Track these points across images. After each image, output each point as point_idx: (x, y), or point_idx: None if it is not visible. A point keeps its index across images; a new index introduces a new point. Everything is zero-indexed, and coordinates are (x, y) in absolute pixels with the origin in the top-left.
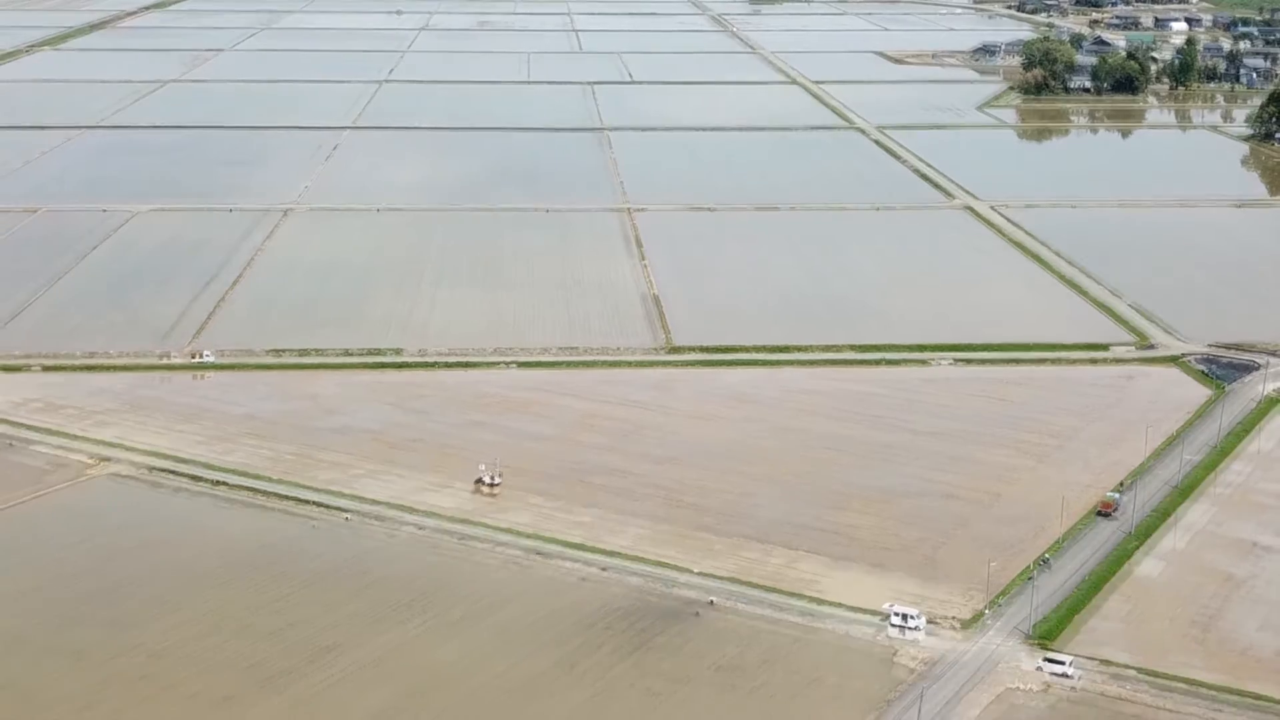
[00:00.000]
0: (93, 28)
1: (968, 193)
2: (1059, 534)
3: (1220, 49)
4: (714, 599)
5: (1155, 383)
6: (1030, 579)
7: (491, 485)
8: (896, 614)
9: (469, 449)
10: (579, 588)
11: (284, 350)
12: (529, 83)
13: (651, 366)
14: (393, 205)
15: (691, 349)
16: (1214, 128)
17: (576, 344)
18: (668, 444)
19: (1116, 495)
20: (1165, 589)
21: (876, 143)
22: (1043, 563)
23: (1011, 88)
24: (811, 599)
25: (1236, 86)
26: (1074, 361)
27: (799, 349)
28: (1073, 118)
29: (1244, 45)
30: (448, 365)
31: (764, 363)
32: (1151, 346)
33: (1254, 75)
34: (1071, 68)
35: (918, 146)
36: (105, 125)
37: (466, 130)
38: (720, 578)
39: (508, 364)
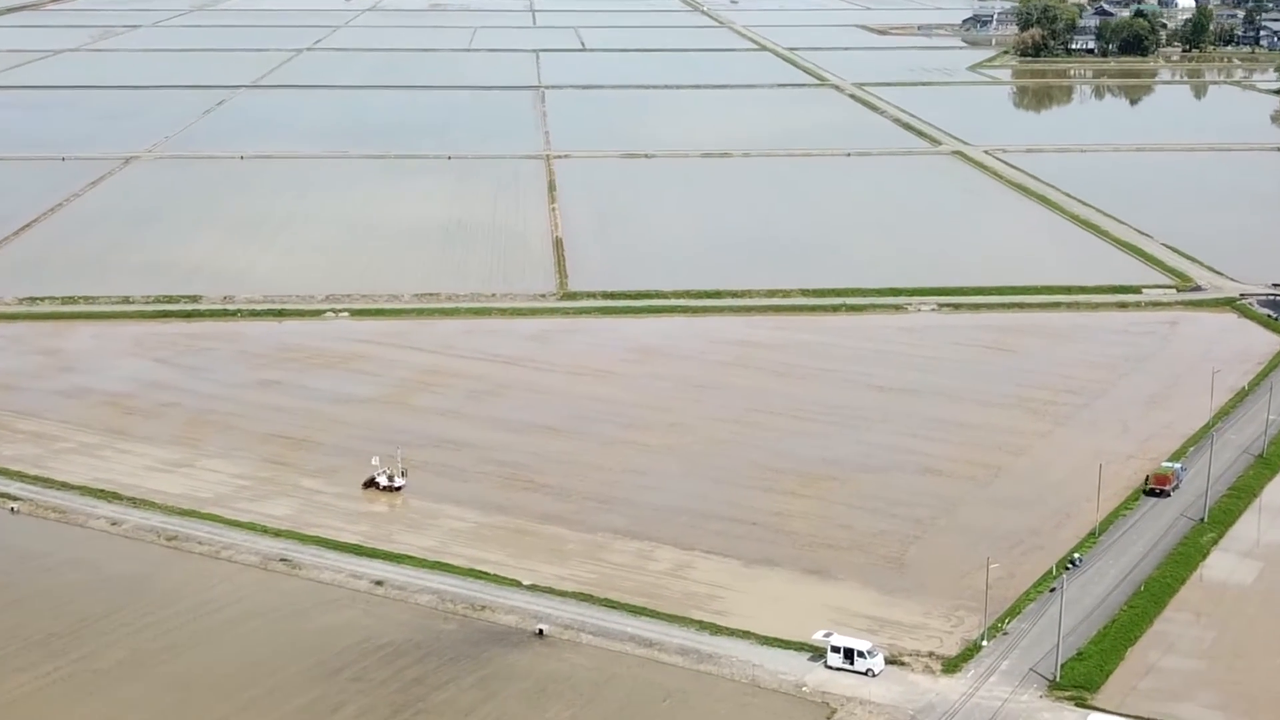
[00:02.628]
0: (13, 10)
1: (957, 139)
2: (1093, 522)
3: (1235, 14)
4: (544, 628)
5: (1208, 329)
6: (1052, 590)
7: (390, 488)
8: (837, 649)
9: (243, 416)
10: (332, 612)
11: (43, 298)
12: (469, 50)
13: (534, 315)
14: (262, 153)
15: (591, 294)
16: (1238, 83)
17: (440, 290)
18: (533, 408)
19: (1176, 466)
20: (1266, 604)
21: (852, 97)
22: (1070, 565)
23: (1006, 51)
24: (704, 625)
25: (1256, 49)
26: (1096, 306)
27: (734, 294)
28: (1076, 76)
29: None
30: (255, 314)
31: (685, 309)
32: (1198, 288)
33: (1275, 38)
34: (1073, 27)
35: (900, 100)
36: None
37: (379, 88)
38: (563, 594)
39: (338, 312)
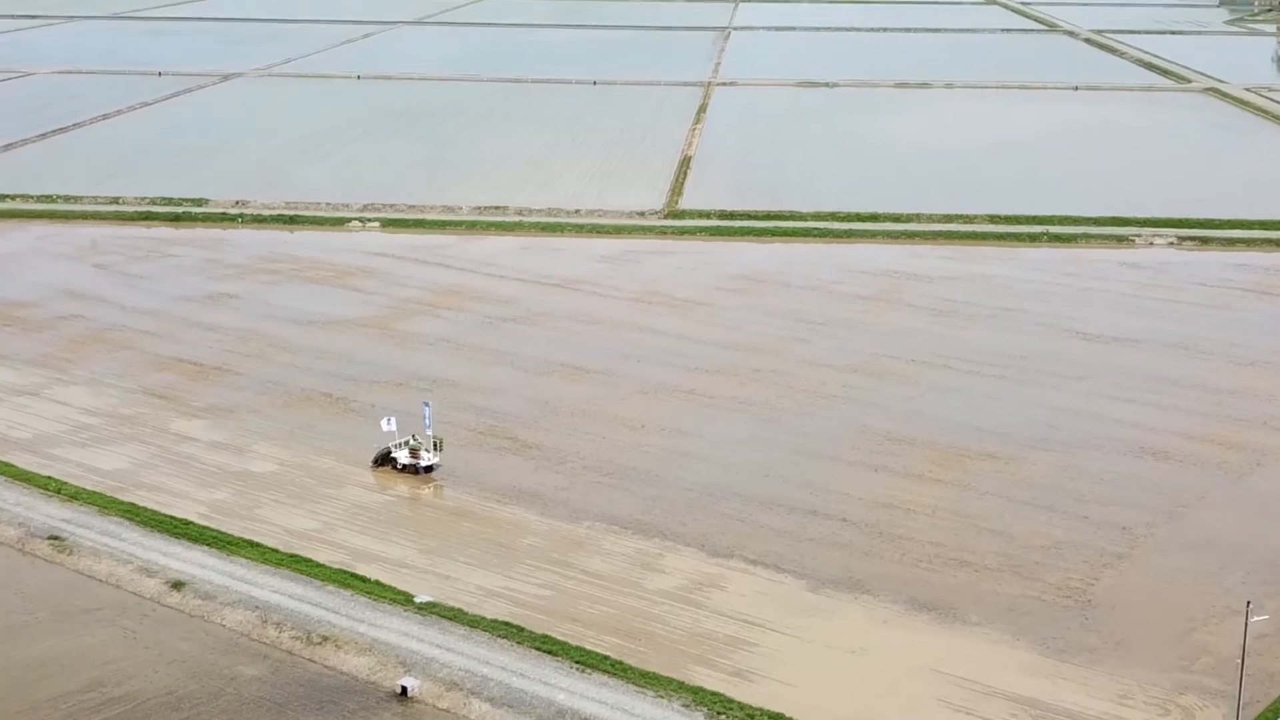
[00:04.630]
0: None
1: (1212, 78)
2: None
3: None
4: (410, 684)
5: None
6: None
7: (413, 468)
8: None
9: (155, 335)
10: (74, 631)
11: (13, 195)
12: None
13: (619, 234)
14: (384, 74)
15: (704, 214)
16: None
17: (509, 204)
18: (565, 342)
19: None
20: None
21: (1087, 42)
22: None
23: (1272, 9)
24: (708, 698)
25: None
26: None
27: (895, 218)
28: None
29: None
30: (260, 219)
31: (825, 234)
32: None
33: None
34: None
35: (1145, 45)
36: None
37: (546, 27)
38: (472, 621)
39: (366, 222)
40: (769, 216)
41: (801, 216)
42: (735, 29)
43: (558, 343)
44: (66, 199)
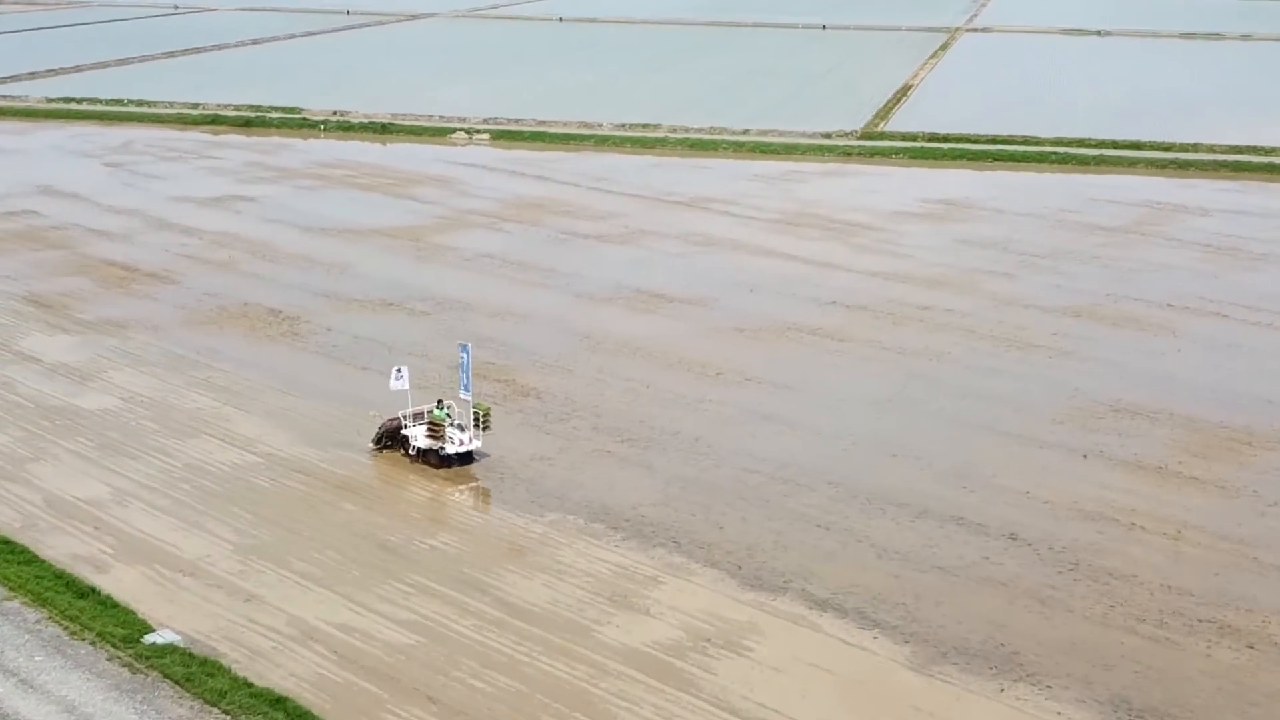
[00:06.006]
0: None
1: None
2: None
3: None
4: None
5: None
6: None
7: (429, 456)
8: None
9: (108, 237)
10: None
11: (81, 99)
12: None
13: (791, 154)
14: (590, 17)
15: (909, 135)
16: None
17: (664, 121)
18: (655, 266)
19: None
20: None
21: None
22: None
23: None
24: None
25: None
26: None
27: (1162, 146)
28: None
29: None
30: (348, 127)
31: (1063, 159)
32: None
33: None
34: None
35: None
36: None
37: None
38: (222, 696)
39: (472, 133)
40: (993, 140)
41: (1038, 141)
42: None
43: (641, 264)
44: (139, 103)
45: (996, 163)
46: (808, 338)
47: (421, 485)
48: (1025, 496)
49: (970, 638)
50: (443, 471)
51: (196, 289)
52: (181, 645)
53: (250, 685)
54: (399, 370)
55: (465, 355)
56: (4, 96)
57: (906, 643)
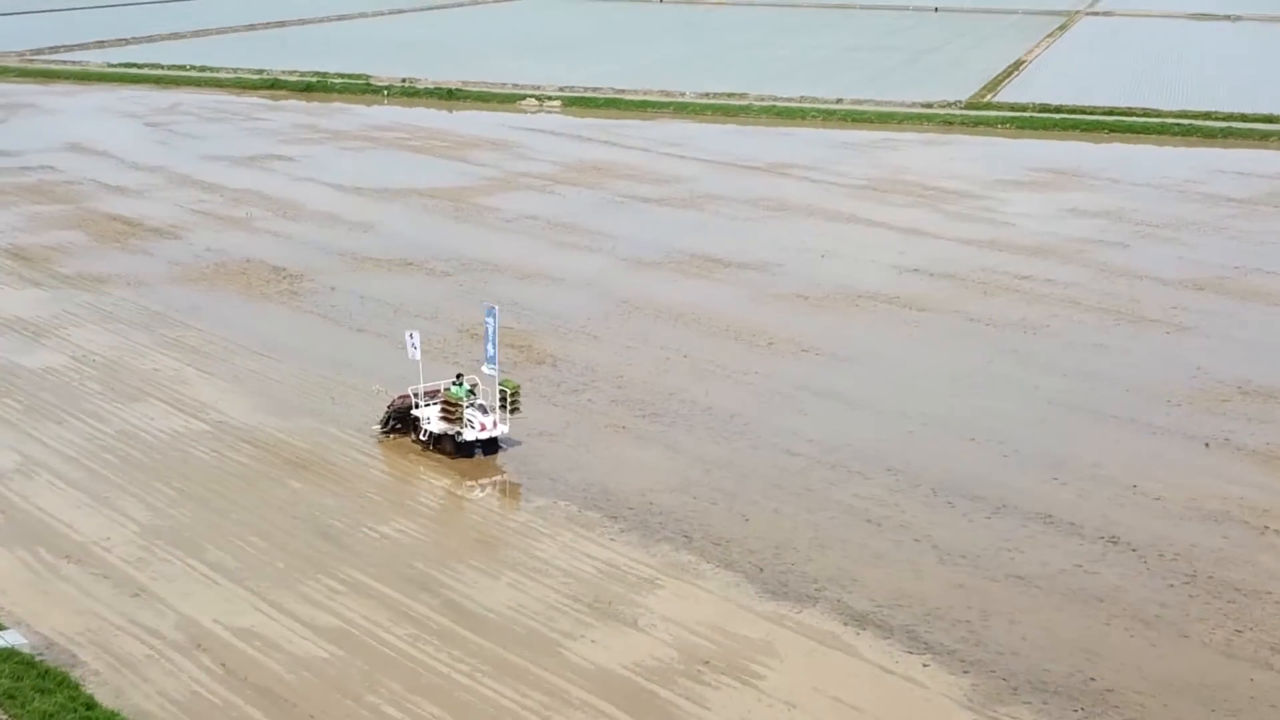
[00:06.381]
0: None
1: None
2: None
3: None
4: None
5: None
6: None
7: (457, 439)
8: None
9: (123, 192)
10: None
11: (144, 64)
12: None
13: (879, 123)
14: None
15: (1019, 106)
16: None
17: (753, 91)
18: (728, 229)
19: None
20: None
21: None
22: None
23: None
24: None
25: None
26: None
27: None
28: None
29: None
30: (412, 93)
31: (1190, 131)
32: None
33: None
34: None
35: None
36: None
37: None
38: None
39: (544, 100)
40: (1110, 112)
41: (1159, 114)
42: None
43: (702, 228)
44: (201, 69)
45: (1113, 134)
46: (882, 306)
47: (392, 463)
48: (1131, 491)
49: (1051, 669)
50: (447, 461)
51: (199, 245)
52: (26, 650)
53: (91, 707)
54: (412, 336)
55: (491, 321)
56: (65, 61)
57: (966, 673)
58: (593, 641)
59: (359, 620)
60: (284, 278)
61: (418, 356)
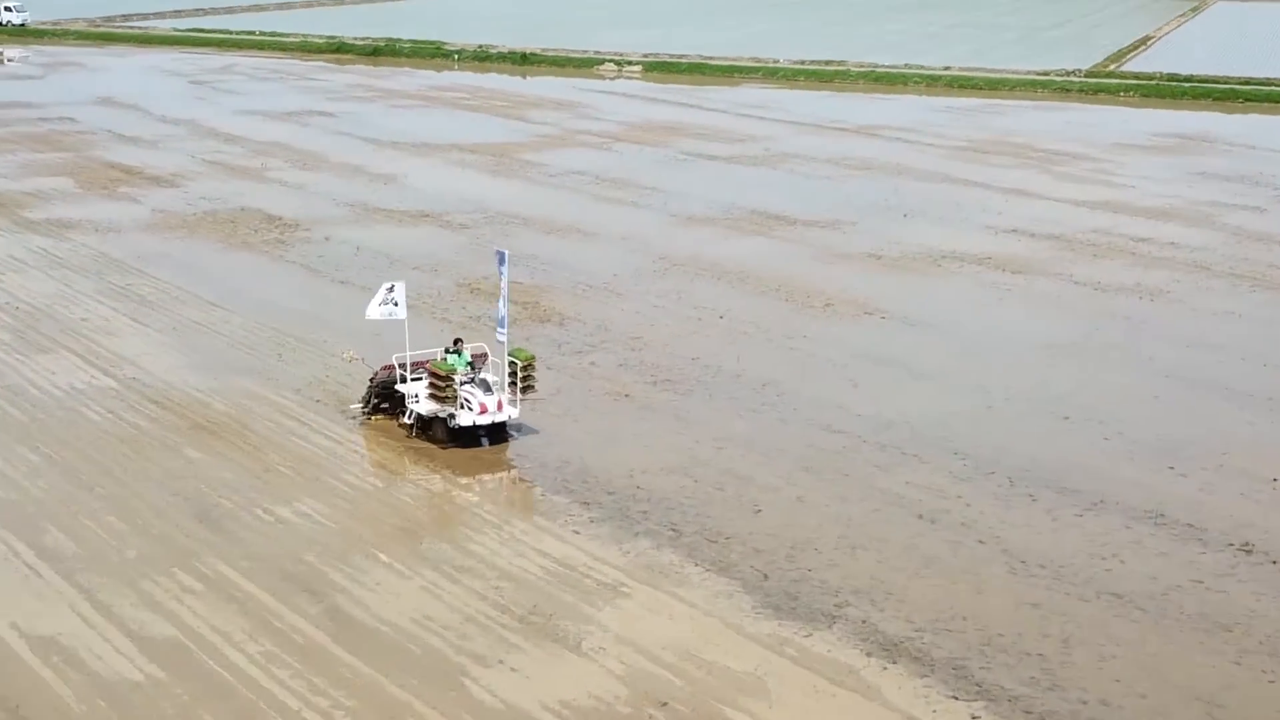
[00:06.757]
0: None
1: None
2: None
3: None
4: None
5: None
6: None
7: (449, 423)
8: None
9: (138, 143)
10: None
11: (214, 30)
12: None
13: (993, 90)
14: None
15: (1146, 76)
16: None
17: (853, 59)
18: (801, 187)
19: None
20: None
21: None
22: None
23: None
24: None
25: None
26: None
27: None
28: None
29: None
30: (485, 58)
31: None
32: None
33: None
34: None
35: None
36: None
37: None
38: None
39: (623, 65)
40: (1246, 82)
41: None
42: None
43: (771, 186)
44: (271, 34)
45: (1249, 103)
46: (970, 267)
47: (326, 432)
48: (1271, 486)
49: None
50: (398, 433)
51: (196, 193)
52: None
53: None
54: (390, 288)
55: (502, 269)
56: (133, 28)
57: (1030, 711)
58: (512, 670)
59: (204, 632)
60: (276, 226)
61: (401, 315)
